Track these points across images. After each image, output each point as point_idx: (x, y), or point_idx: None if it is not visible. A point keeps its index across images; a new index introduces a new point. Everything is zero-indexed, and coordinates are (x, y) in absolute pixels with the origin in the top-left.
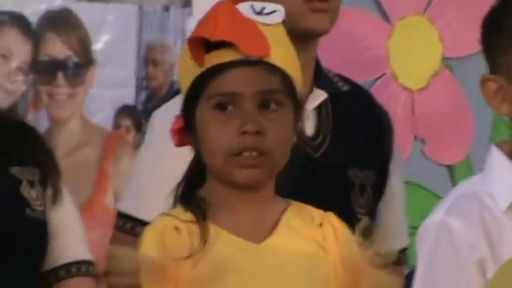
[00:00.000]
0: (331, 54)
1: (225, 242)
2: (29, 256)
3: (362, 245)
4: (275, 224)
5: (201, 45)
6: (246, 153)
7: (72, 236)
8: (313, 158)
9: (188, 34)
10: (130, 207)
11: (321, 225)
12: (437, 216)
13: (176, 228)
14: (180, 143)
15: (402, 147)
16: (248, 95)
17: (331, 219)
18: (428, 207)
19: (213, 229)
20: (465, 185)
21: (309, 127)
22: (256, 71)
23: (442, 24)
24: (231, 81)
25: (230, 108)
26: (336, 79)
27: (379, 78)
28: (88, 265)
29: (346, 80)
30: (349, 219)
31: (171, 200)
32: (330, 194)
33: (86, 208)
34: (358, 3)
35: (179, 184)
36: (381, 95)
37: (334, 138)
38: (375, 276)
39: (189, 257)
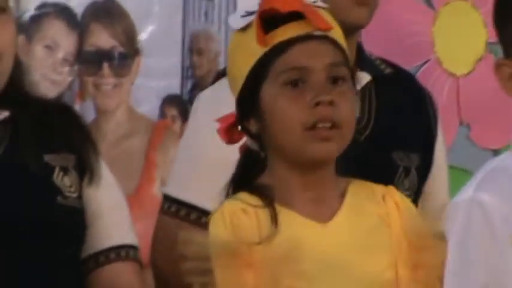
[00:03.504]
0: (376, 41)
1: (294, 224)
2: (64, 244)
3: (427, 219)
4: (339, 203)
5: (263, 25)
6: (320, 125)
7: (111, 221)
8: (358, 141)
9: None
10: (175, 190)
11: (383, 199)
12: (467, 193)
13: (244, 210)
14: (230, 141)
15: (447, 133)
16: (318, 69)
17: (393, 193)
18: None
19: (279, 211)
20: (495, 161)
21: None
22: (322, 45)
23: (486, 9)
24: (300, 56)
25: (300, 84)
26: (378, 62)
27: (424, 64)
28: (128, 249)
29: (388, 63)
30: None
31: (225, 190)
32: (374, 176)
33: (134, 198)
34: None
35: (235, 174)
36: (426, 81)
37: (379, 121)
38: (440, 250)
39: (261, 242)
